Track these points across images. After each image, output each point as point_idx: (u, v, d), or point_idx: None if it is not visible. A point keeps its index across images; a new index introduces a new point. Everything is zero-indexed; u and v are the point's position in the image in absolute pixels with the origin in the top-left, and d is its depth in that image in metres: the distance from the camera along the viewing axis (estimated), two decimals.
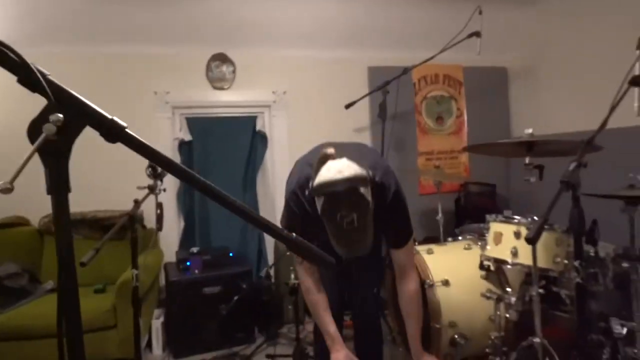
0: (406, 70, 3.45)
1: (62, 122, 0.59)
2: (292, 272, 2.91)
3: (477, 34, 3.25)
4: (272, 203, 3.81)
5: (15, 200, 3.22)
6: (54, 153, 0.60)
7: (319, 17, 3.71)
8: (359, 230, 1.44)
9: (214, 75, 3.72)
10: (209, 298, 3.01)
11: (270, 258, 3.71)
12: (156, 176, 2.07)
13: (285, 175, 3.71)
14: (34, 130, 0.59)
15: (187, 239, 3.61)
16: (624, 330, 2.14)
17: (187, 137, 3.67)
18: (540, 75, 4.09)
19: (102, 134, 0.66)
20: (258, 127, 3.84)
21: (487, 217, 2.46)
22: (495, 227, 2.39)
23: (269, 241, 3.75)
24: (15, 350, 2.53)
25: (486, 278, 2.52)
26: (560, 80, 3.82)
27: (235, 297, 2.87)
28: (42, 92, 0.59)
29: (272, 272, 3.30)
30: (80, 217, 3.16)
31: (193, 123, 3.71)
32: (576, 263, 1.48)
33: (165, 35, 3.56)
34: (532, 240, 1.30)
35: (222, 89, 3.74)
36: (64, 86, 0.63)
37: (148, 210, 3.35)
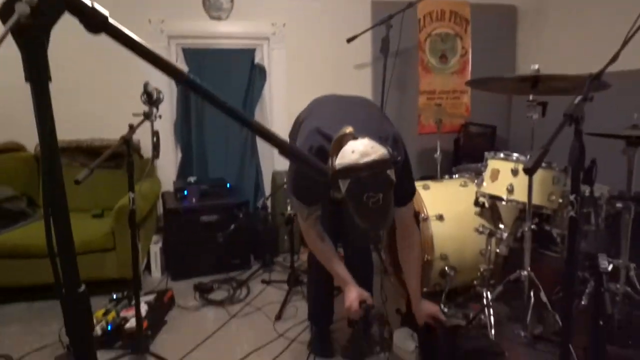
0: (411, 4, 3.30)
1: (36, 3, 0.56)
2: (289, 204, 2.95)
3: None
4: None
5: (10, 126, 3.21)
6: (31, 37, 0.57)
7: None
8: (384, 207, 1.47)
9: (211, 4, 3.55)
10: (206, 226, 3.07)
11: (268, 191, 3.74)
12: (151, 103, 2.02)
13: (283, 110, 3.74)
14: (6, 12, 0.56)
15: (184, 170, 3.62)
16: (610, 267, 2.19)
17: (184, 67, 3.56)
18: (550, 15, 3.91)
19: (82, 23, 0.62)
20: (256, 60, 3.73)
21: (486, 154, 2.45)
22: (493, 164, 2.39)
23: (267, 174, 3.77)
24: (16, 268, 2.61)
25: (480, 214, 2.56)
26: (571, 21, 3.66)
27: (232, 226, 2.91)
28: None
29: (268, 203, 3.34)
30: (76, 144, 3.15)
31: (189, 54, 3.59)
32: (572, 197, 1.47)
33: None
34: (530, 170, 1.27)
35: (219, 19, 3.59)
36: None
37: (145, 140, 3.35)
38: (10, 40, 0.57)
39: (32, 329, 2.41)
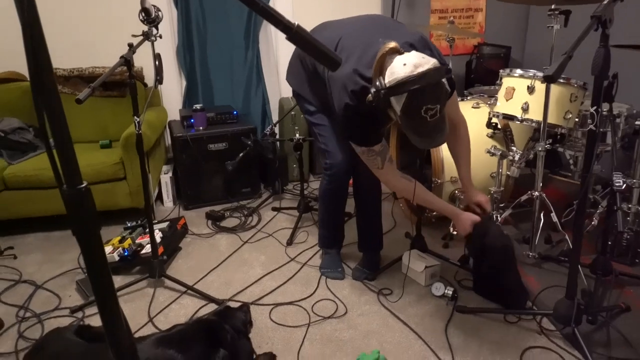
0: None
1: None
2: (297, 131, 2.90)
3: None
4: (276, 60, 3.64)
5: (9, 56, 3.12)
6: None
7: None
8: (442, 120, 1.43)
9: None
10: (215, 154, 3.04)
11: (275, 119, 3.67)
12: (150, 21, 1.93)
13: None
14: None
15: (189, 98, 3.54)
16: (624, 186, 2.16)
17: None
18: None
19: None
20: None
21: (501, 72, 2.35)
22: (508, 82, 2.29)
23: (273, 102, 3.68)
24: (31, 199, 2.64)
25: (492, 136, 2.50)
26: None
27: (241, 154, 2.89)
28: None
29: (276, 130, 3.29)
30: (78, 73, 3.06)
31: None
32: (592, 109, 1.41)
33: None
34: (551, 78, 1.21)
35: None
36: None
37: (148, 69, 3.26)
38: None
39: (52, 257, 2.49)
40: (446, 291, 2.02)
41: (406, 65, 1.41)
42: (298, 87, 2.11)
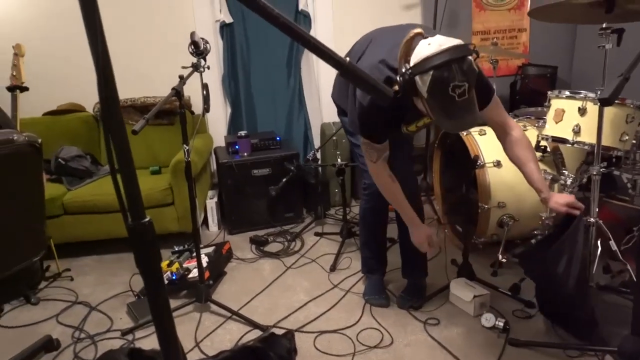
0: None
1: None
2: (339, 156, 2.91)
3: None
4: (317, 86, 3.70)
5: (69, 88, 3.34)
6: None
7: None
8: (470, 101, 1.40)
9: None
10: (259, 179, 3.11)
11: (317, 144, 3.72)
12: (199, 53, 2.02)
13: None
14: None
15: (234, 125, 3.65)
16: None
17: (228, 19, 3.51)
18: None
19: None
20: (301, 7, 3.61)
21: (549, 93, 2.28)
22: (557, 103, 2.22)
23: (315, 127, 3.73)
24: (83, 223, 2.78)
25: (541, 160, 2.42)
26: None
27: (284, 179, 2.93)
28: None
29: (318, 155, 3.32)
30: (130, 103, 3.23)
31: (233, 3, 3.52)
32: None
33: None
34: (607, 101, 1.16)
35: None
36: None
37: (195, 97, 3.39)
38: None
39: (105, 279, 2.59)
40: (497, 322, 1.93)
41: (431, 44, 1.40)
42: (342, 103, 2.11)
